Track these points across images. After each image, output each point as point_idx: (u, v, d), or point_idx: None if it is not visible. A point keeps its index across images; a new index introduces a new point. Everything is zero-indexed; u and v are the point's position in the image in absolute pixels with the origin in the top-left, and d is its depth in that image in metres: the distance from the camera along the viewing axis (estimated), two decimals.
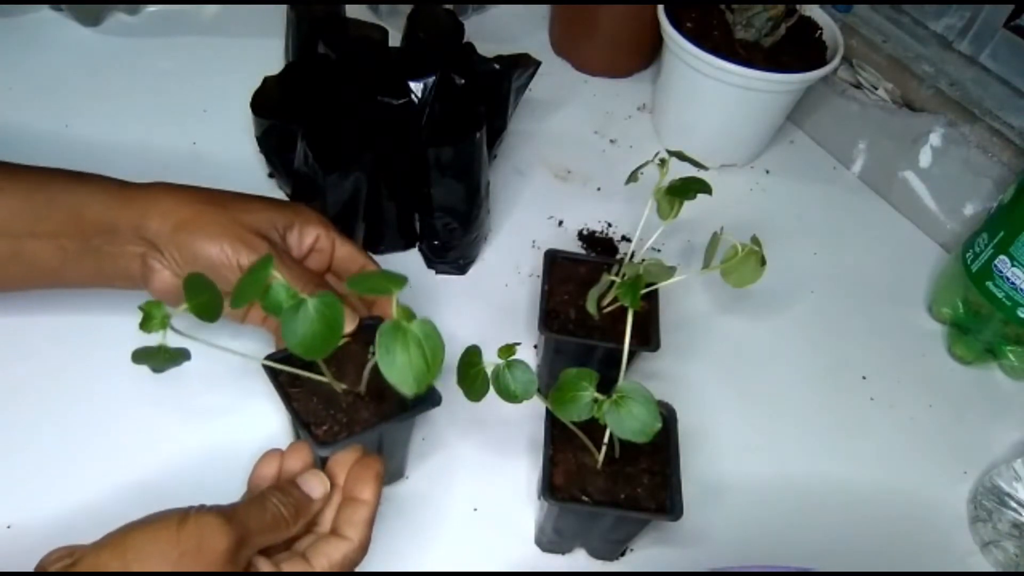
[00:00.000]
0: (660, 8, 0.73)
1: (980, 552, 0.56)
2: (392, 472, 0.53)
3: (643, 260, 0.52)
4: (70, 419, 0.54)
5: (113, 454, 0.53)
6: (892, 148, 0.77)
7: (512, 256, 0.69)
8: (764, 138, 0.80)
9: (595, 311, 0.50)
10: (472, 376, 0.41)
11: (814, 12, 0.76)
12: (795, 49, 0.73)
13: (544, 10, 0.92)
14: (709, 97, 0.73)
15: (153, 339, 0.41)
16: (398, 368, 0.36)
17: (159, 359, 0.42)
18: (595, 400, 0.42)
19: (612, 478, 0.47)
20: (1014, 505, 0.55)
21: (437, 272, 0.67)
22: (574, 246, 0.70)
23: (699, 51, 0.69)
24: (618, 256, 0.69)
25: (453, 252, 0.65)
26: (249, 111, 0.64)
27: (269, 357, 0.47)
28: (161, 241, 0.49)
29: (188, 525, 0.36)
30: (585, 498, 0.46)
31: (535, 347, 0.62)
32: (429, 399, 0.47)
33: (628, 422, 0.41)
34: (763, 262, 0.50)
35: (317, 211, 0.55)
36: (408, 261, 0.67)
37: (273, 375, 0.47)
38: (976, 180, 0.71)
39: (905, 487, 0.59)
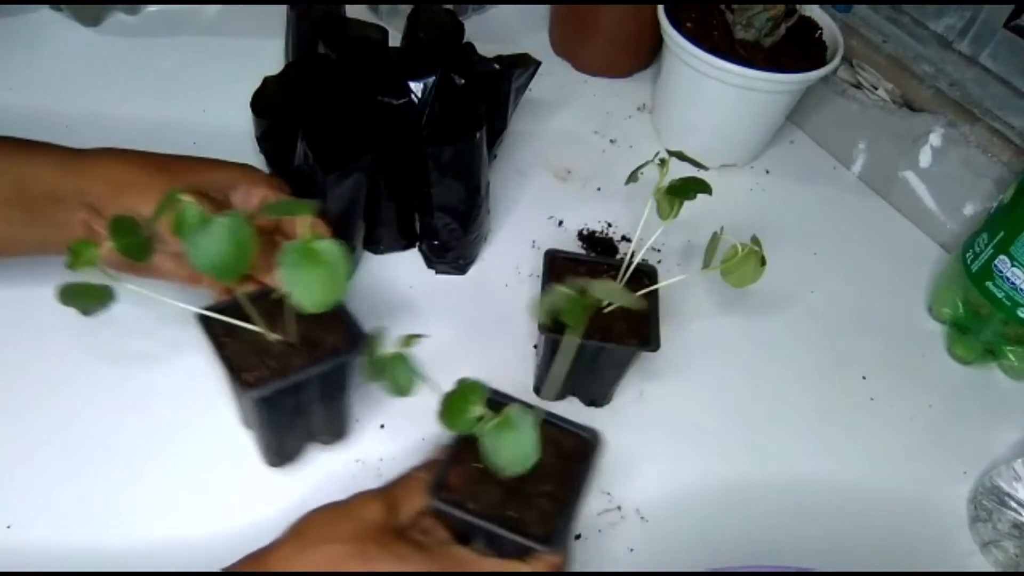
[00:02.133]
0: (660, 8, 0.73)
1: (980, 552, 0.56)
2: (334, 431, 0.54)
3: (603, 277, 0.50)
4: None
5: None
6: (892, 148, 0.77)
7: (512, 256, 0.69)
8: (764, 138, 0.80)
9: (545, 320, 0.47)
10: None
11: (814, 12, 0.76)
12: (795, 49, 0.73)
13: (544, 10, 0.92)
14: (709, 97, 0.73)
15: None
16: (302, 285, 0.37)
17: (85, 297, 0.42)
18: (480, 418, 0.40)
19: (509, 493, 0.44)
20: (1014, 505, 0.55)
21: (437, 272, 0.67)
22: (574, 246, 0.70)
23: (699, 51, 0.69)
24: (618, 256, 0.69)
25: (453, 252, 0.65)
26: (249, 111, 0.64)
27: (206, 307, 0.47)
28: (105, 206, 0.50)
29: (347, 505, 0.44)
30: (471, 505, 0.43)
31: (535, 347, 0.62)
32: (361, 345, 0.47)
33: (505, 448, 0.39)
34: (763, 262, 0.50)
35: (263, 172, 0.55)
36: (408, 261, 0.67)
37: (206, 324, 0.47)
38: (976, 180, 0.71)
39: (905, 487, 0.59)
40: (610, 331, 0.54)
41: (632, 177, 0.53)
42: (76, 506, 0.51)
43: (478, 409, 0.40)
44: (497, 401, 0.45)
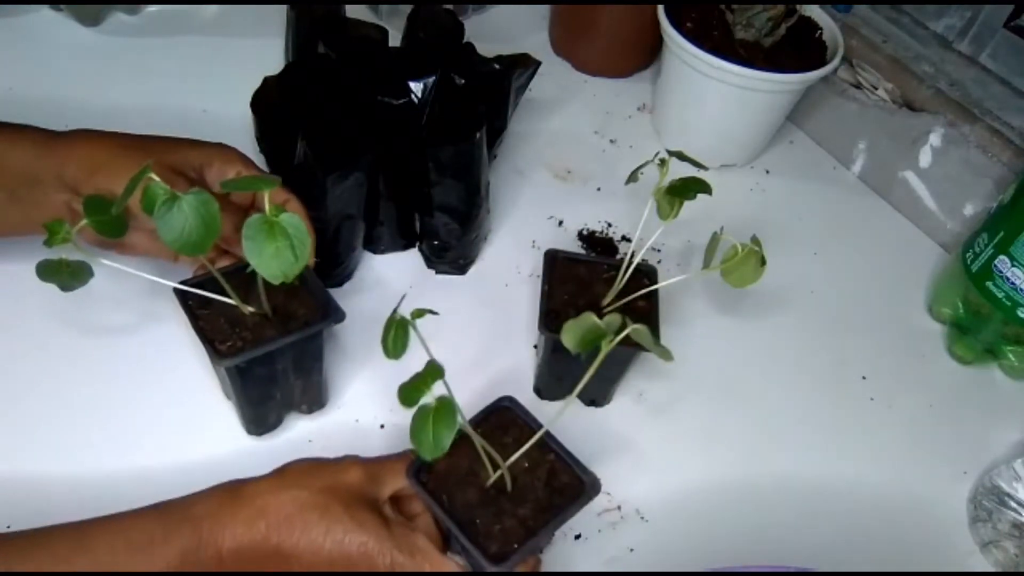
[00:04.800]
0: (660, 8, 0.73)
1: (980, 552, 0.56)
2: (311, 398, 0.55)
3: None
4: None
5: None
6: (892, 148, 0.77)
7: (512, 256, 0.69)
8: (764, 138, 0.80)
9: (575, 345, 0.43)
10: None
11: (814, 12, 0.76)
12: (795, 49, 0.73)
13: (544, 10, 0.92)
14: (709, 97, 0.73)
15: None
16: (265, 258, 0.38)
17: (62, 275, 0.44)
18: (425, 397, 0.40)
19: (486, 502, 0.44)
20: (1014, 505, 0.55)
21: (437, 272, 0.67)
22: (574, 246, 0.70)
23: (699, 51, 0.69)
24: (618, 256, 0.69)
25: (453, 252, 0.65)
26: (249, 111, 0.64)
27: (182, 282, 0.49)
28: (80, 186, 0.51)
29: (332, 463, 0.45)
30: (443, 498, 0.44)
31: (535, 347, 0.62)
32: (332, 316, 0.49)
33: (423, 432, 0.38)
34: (763, 262, 0.50)
35: (238, 151, 0.56)
36: (408, 261, 0.67)
37: (183, 297, 0.48)
38: (976, 180, 0.71)
39: (905, 487, 0.59)
40: None
41: (632, 177, 0.53)
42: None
43: (427, 390, 0.40)
44: (511, 412, 0.47)
